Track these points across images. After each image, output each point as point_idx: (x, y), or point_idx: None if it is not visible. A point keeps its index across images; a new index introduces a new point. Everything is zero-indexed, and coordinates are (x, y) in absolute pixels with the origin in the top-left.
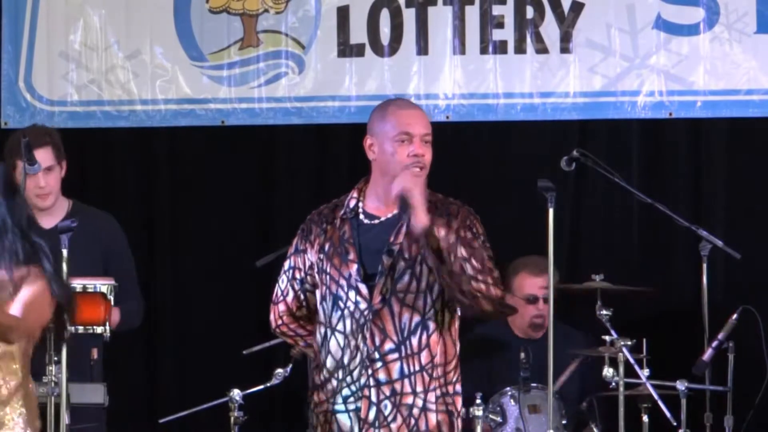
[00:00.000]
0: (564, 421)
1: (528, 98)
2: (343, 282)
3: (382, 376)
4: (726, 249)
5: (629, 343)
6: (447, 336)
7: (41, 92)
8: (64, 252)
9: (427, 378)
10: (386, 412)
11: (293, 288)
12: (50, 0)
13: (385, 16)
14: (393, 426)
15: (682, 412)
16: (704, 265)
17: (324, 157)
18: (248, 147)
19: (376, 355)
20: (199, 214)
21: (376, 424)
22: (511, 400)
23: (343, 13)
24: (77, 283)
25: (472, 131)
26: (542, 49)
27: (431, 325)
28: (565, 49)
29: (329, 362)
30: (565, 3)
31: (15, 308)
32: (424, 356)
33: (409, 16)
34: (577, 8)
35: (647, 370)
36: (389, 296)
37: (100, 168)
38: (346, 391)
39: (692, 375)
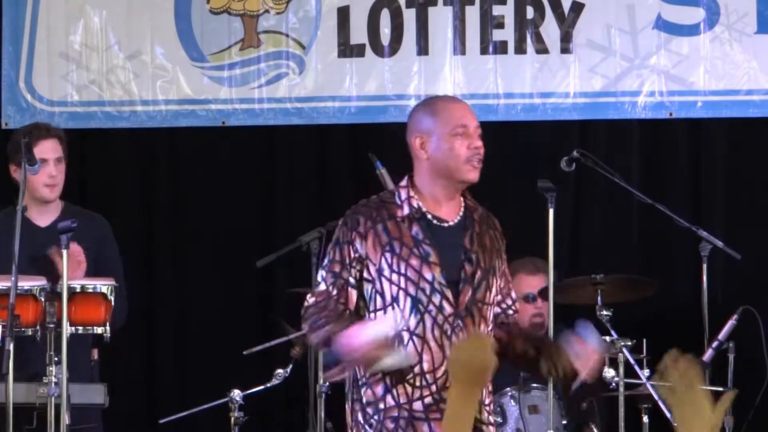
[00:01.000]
0: (564, 422)
1: (528, 98)
2: (425, 285)
3: None
4: (726, 249)
5: (629, 343)
6: None
7: (42, 92)
8: (65, 252)
9: (487, 390)
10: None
11: (331, 281)
12: (50, 0)
13: (385, 16)
14: None
15: None
16: (704, 266)
17: (324, 157)
18: (249, 147)
19: None
20: (199, 215)
21: None
22: (511, 401)
23: (343, 14)
24: (77, 284)
25: None
26: (542, 50)
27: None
28: (565, 50)
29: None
30: (566, 3)
31: None
32: None
33: (409, 16)
34: (577, 8)
35: (647, 370)
36: (472, 305)
37: (100, 168)
38: (428, 399)
39: None
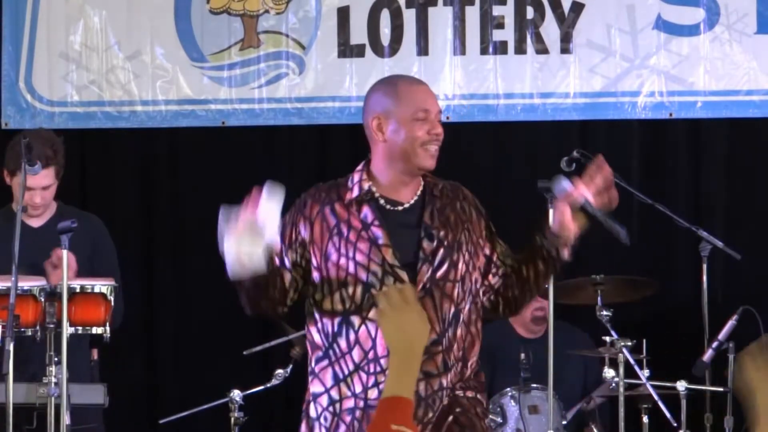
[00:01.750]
0: (564, 422)
1: (528, 99)
2: (376, 268)
3: (431, 369)
4: (726, 249)
5: (629, 343)
6: (474, 329)
7: (42, 93)
8: (64, 253)
9: (460, 371)
10: (435, 407)
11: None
12: (51, 0)
13: (385, 16)
14: (443, 421)
15: (682, 413)
16: (704, 266)
17: (324, 157)
18: (249, 148)
19: None
20: (199, 215)
21: (425, 420)
22: (512, 401)
23: (343, 14)
24: (77, 284)
25: (473, 132)
26: (542, 50)
27: (461, 317)
28: (565, 50)
29: (356, 354)
30: (566, 3)
31: None
32: (456, 349)
33: (409, 16)
34: (577, 9)
35: (647, 370)
36: (431, 285)
37: (100, 168)
38: (383, 386)
39: (692, 375)
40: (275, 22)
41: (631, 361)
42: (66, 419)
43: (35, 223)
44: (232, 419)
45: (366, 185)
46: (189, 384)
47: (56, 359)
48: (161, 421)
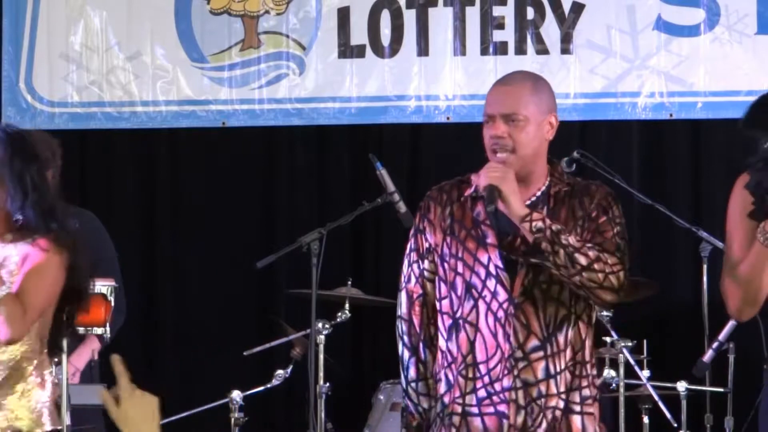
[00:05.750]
0: None
1: None
2: (480, 269)
3: (528, 376)
4: None
5: (630, 344)
6: (588, 330)
7: (42, 93)
8: None
9: (569, 377)
10: (533, 416)
11: (414, 272)
12: (51, 1)
13: (385, 17)
14: (540, 431)
15: (683, 413)
16: (704, 266)
17: (325, 158)
18: (249, 148)
19: (520, 354)
20: (199, 216)
21: (524, 429)
22: None
23: (343, 14)
24: None
25: (473, 132)
26: (543, 50)
27: (574, 319)
28: (565, 50)
29: (458, 358)
30: (566, 4)
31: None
32: (569, 354)
33: (409, 17)
34: (577, 9)
35: (647, 371)
36: (532, 288)
37: (100, 169)
38: (482, 393)
39: (692, 376)
40: (275, 23)
41: (632, 361)
42: (66, 419)
43: None
44: (232, 419)
45: None
46: (189, 384)
47: (56, 360)
48: (161, 422)
